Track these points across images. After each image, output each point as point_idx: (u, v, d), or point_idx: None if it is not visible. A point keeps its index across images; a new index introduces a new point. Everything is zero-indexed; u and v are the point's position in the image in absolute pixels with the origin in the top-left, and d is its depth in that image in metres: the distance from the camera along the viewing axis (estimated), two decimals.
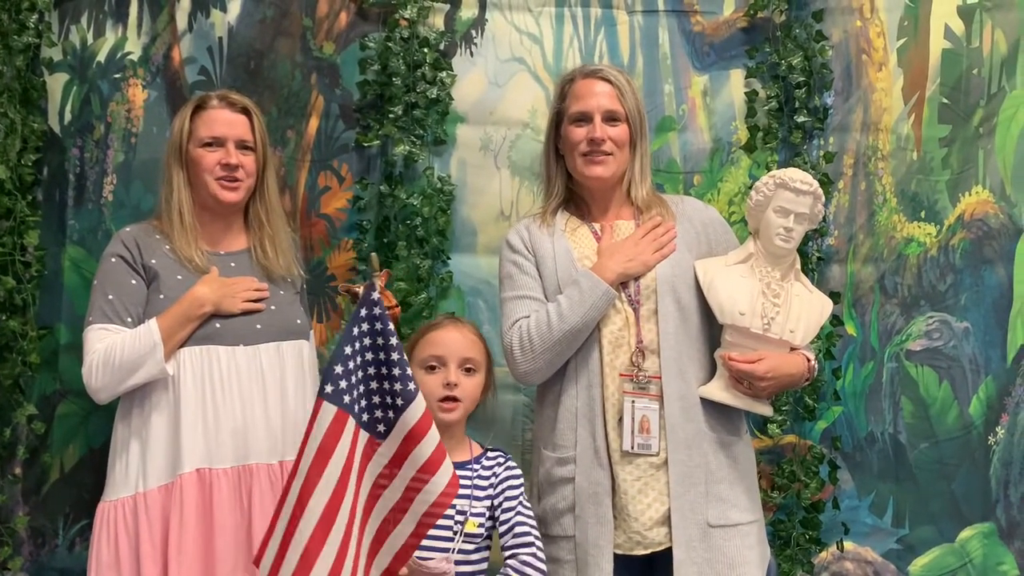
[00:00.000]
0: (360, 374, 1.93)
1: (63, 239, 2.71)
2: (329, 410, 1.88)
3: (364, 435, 1.93)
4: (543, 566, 2.11)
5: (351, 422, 1.90)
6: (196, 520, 2.14)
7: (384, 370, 1.93)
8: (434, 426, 1.95)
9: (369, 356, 1.93)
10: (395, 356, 1.92)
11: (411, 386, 1.92)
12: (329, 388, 1.89)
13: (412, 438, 1.93)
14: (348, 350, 1.91)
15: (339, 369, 1.90)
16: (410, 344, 2.24)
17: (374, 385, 1.94)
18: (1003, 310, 2.82)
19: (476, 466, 2.18)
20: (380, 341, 1.93)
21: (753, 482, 2.29)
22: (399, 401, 1.93)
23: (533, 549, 2.11)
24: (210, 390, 2.20)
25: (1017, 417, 2.81)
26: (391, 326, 1.94)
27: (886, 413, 2.83)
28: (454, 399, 2.15)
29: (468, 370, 2.18)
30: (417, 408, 1.93)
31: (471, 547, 2.11)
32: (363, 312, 1.93)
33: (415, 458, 1.93)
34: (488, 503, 2.14)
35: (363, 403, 1.94)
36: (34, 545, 2.71)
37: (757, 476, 2.36)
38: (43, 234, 2.67)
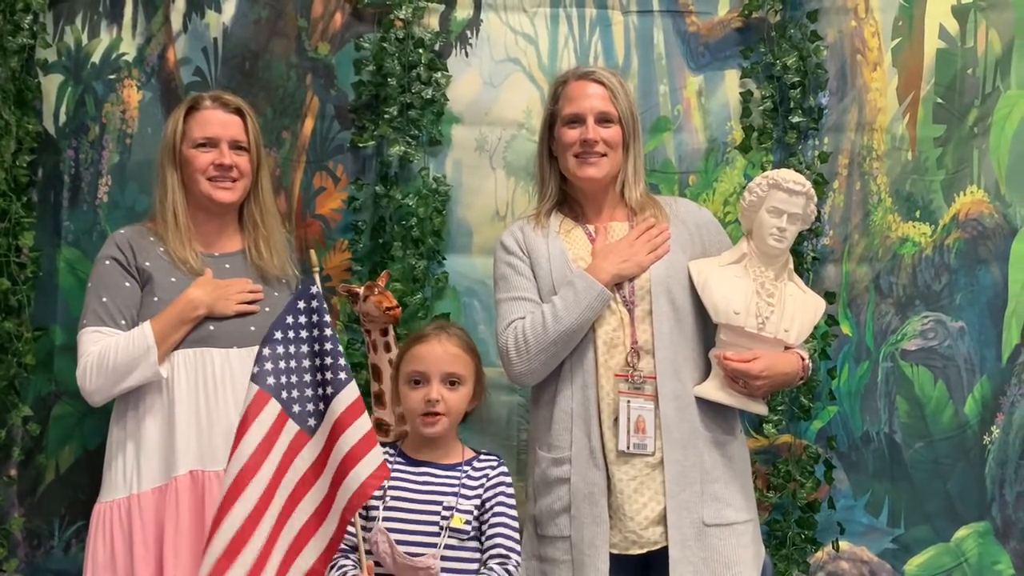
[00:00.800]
0: (292, 363, 1.95)
1: (58, 240, 2.71)
2: (252, 389, 1.92)
3: (293, 426, 1.94)
4: None
5: (273, 405, 1.92)
6: (191, 522, 2.15)
7: (318, 361, 1.95)
8: (365, 415, 1.96)
9: (304, 348, 1.96)
10: (329, 346, 1.95)
11: (341, 375, 1.94)
12: (256, 368, 1.92)
13: (338, 428, 1.94)
14: (278, 335, 1.94)
15: (266, 351, 1.93)
16: (399, 356, 2.24)
17: (308, 377, 1.96)
18: (998, 309, 2.82)
19: (467, 467, 2.17)
20: (316, 333, 1.95)
21: (748, 481, 2.30)
22: (328, 390, 1.94)
23: (509, 565, 2.10)
24: (204, 392, 2.20)
25: (1012, 416, 2.81)
26: (327, 318, 1.97)
27: (881, 413, 2.83)
28: (436, 414, 2.14)
29: (452, 383, 2.16)
30: (347, 396, 1.94)
31: (456, 543, 2.10)
32: (300, 303, 1.95)
33: (339, 449, 1.94)
34: (477, 502, 2.13)
35: (294, 393, 1.95)
36: (30, 547, 2.71)
37: (752, 475, 2.37)
38: (38, 235, 2.67)
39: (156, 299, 2.23)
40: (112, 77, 2.75)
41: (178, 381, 2.19)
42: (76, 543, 2.67)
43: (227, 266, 2.33)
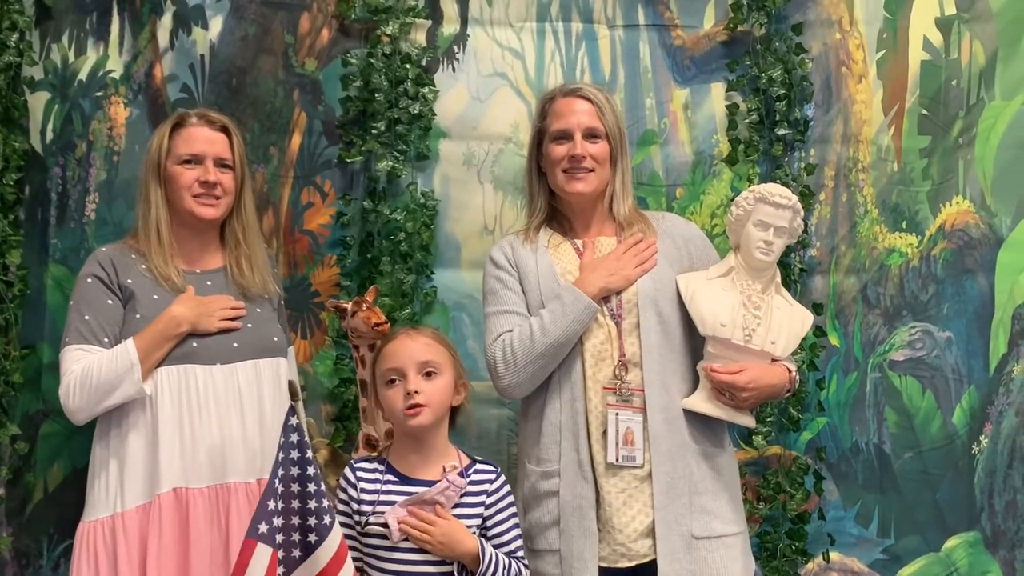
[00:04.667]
0: (281, 504, 1.89)
1: (46, 258, 2.71)
2: (264, 552, 1.84)
3: (280, 570, 1.88)
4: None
5: (275, 559, 1.86)
6: (174, 540, 2.14)
7: (300, 503, 1.90)
8: (349, 560, 1.92)
9: (295, 487, 1.90)
10: (312, 488, 1.89)
11: (326, 519, 1.88)
12: (263, 528, 1.84)
13: (325, 574, 1.89)
14: (279, 485, 1.88)
15: (271, 505, 1.86)
16: (372, 363, 2.21)
17: (296, 520, 1.90)
18: (985, 319, 2.83)
19: (464, 479, 2.15)
20: (296, 472, 1.90)
21: (737, 493, 2.30)
22: (312, 537, 1.89)
23: (519, 566, 2.11)
24: (187, 409, 2.19)
25: (1000, 426, 2.82)
26: (309, 453, 1.91)
27: (870, 423, 2.84)
28: (417, 405, 2.08)
29: (428, 374, 2.10)
30: (332, 542, 1.89)
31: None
32: (284, 439, 1.90)
33: None
34: (478, 520, 2.09)
35: (283, 537, 1.89)
36: (18, 566, 2.69)
37: (742, 487, 2.37)
38: (25, 253, 2.66)
39: (139, 316, 2.22)
40: (99, 94, 2.75)
41: (161, 398, 2.18)
42: (64, 562, 2.66)
43: (209, 283, 2.32)
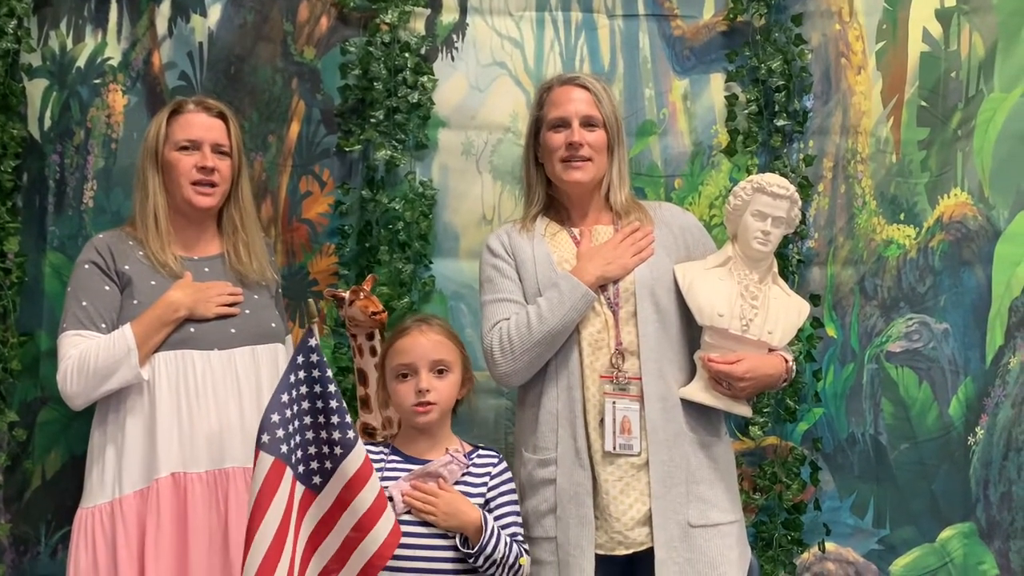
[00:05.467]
0: (296, 423, 1.90)
1: (43, 245, 2.70)
2: (266, 460, 1.85)
3: (300, 487, 1.90)
4: (525, 560, 2.12)
5: (288, 473, 1.87)
6: (172, 524, 2.14)
7: (322, 418, 1.91)
8: (375, 475, 1.94)
9: (306, 405, 1.91)
10: (333, 404, 1.90)
11: (350, 434, 1.90)
12: (266, 437, 1.86)
13: (351, 487, 1.91)
14: (285, 398, 1.88)
15: (275, 418, 1.87)
16: (382, 354, 2.24)
17: (310, 435, 1.91)
18: (982, 311, 2.84)
19: (467, 459, 2.18)
20: (318, 389, 1.91)
21: (733, 482, 2.31)
22: (337, 450, 1.90)
23: (520, 549, 2.13)
24: (185, 394, 2.20)
25: (996, 418, 2.83)
26: (329, 372, 1.92)
27: (867, 414, 2.84)
28: (428, 403, 2.14)
29: (440, 372, 2.16)
30: (356, 456, 1.91)
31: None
32: (299, 359, 1.90)
33: (354, 508, 1.91)
34: (480, 500, 2.13)
35: (299, 454, 1.90)
36: (16, 553, 2.70)
37: (738, 477, 2.38)
38: (23, 240, 2.66)
39: (136, 302, 2.23)
40: (97, 82, 2.75)
41: (159, 384, 2.19)
42: (63, 549, 2.66)
43: (206, 270, 2.33)
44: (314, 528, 1.92)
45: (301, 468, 1.91)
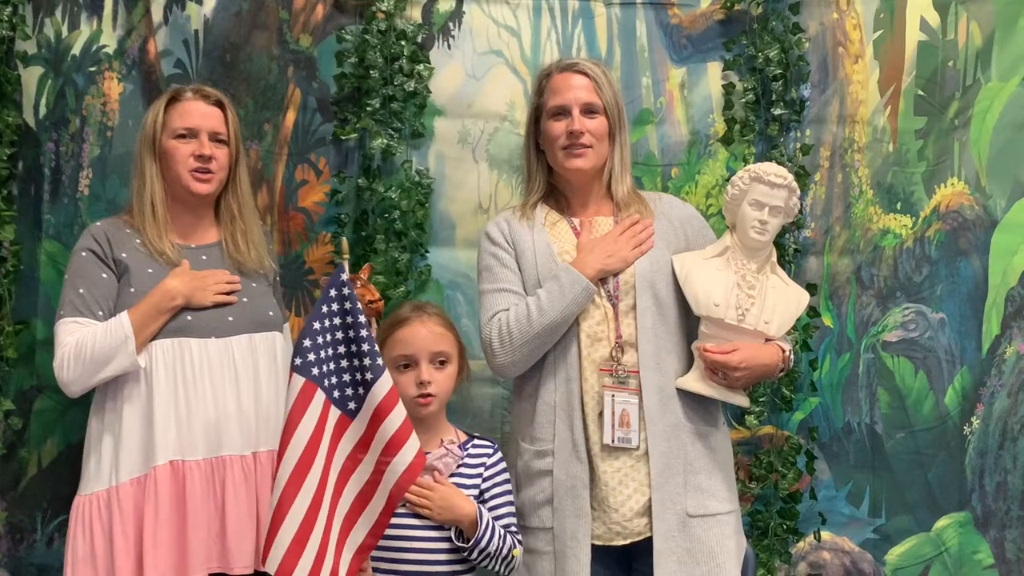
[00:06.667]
0: (330, 351, 2.00)
1: (39, 233, 2.70)
2: (298, 381, 1.96)
3: (335, 411, 1.99)
4: (518, 551, 2.14)
5: (320, 395, 1.97)
6: (170, 512, 2.14)
7: (353, 347, 2.00)
8: (400, 402, 2.01)
9: (339, 335, 2.00)
10: (363, 333, 2.00)
11: (379, 361, 2.00)
12: (298, 360, 1.96)
13: (379, 414, 1.99)
14: (317, 325, 1.98)
15: (307, 343, 1.97)
16: (380, 341, 2.23)
17: (344, 363, 2.01)
18: (978, 301, 2.84)
19: (462, 451, 2.19)
20: (349, 320, 2.00)
21: (730, 472, 2.31)
22: (368, 375, 1.99)
23: (514, 540, 2.15)
24: (182, 382, 2.19)
25: (992, 407, 2.84)
26: (359, 304, 2.01)
27: (863, 404, 2.85)
28: (428, 395, 2.16)
29: (440, 363, 2.19)
30: (384, 383, 1.99)
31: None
32: (332, 292, 2.00)
33: (382, 434, 1.99)
34: (475, 491, 2.14)
35: (334, 379, 2.00)
36: (12, 541, 2.70)
37: (735, 467, 2.38)
38: (19, 229, 2.65)
39: (133, 290, 2.22)
40: (92, 69, 2.73)
41: (156, 371, 2.18)
42: (59, 537, 2.67)
43: (204, 258, 2.32)
44: (349, 453, 2.01)
45: (336, 393, 2.00)
